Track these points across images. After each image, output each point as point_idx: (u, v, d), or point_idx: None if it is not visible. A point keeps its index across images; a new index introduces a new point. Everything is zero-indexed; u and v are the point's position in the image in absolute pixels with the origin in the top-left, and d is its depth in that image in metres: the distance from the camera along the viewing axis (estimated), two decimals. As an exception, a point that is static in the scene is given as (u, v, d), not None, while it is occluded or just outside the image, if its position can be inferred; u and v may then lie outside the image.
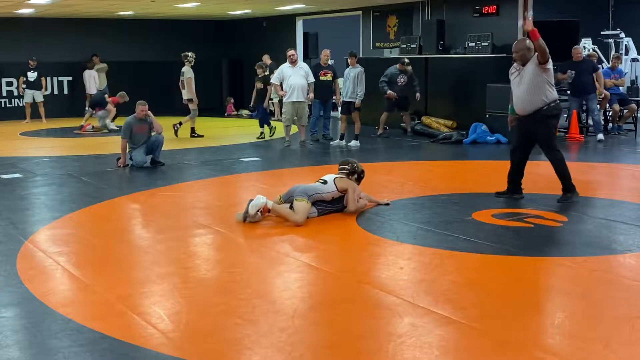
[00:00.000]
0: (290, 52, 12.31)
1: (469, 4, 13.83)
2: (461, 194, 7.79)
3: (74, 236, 6.31)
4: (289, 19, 18.64)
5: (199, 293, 4.65)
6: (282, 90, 12.38)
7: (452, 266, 5.16)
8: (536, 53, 6.94)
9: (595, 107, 12.37)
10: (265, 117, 13.42)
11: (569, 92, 12.41)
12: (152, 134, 10.07)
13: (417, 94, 13.26)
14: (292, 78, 12.09)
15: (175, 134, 13.36)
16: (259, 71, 13.63)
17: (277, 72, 12.53)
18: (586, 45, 14.43)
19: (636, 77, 14.66)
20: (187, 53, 13.51)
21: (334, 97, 13.46)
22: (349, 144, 12.16)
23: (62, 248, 5.80)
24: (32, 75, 16.93)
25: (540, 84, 6.97)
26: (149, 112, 9.99)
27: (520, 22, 12.83)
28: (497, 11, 13.37)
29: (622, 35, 14.99)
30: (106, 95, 15.75)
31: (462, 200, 7.39)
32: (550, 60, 6.95)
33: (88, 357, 3.62)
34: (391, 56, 15.35)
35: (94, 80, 18.08)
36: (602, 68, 13.32)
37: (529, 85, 6.98)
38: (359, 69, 12.34)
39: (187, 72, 13.40)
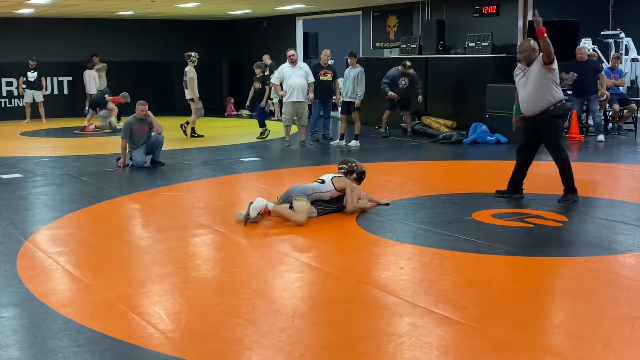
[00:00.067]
0: (290, 52, 12.32)
1: (469, 4, 13.84)
2: (461, 194, 7.79)
3: (74, 236, 6.31)
4: (289, 19, 18.64)
5: (199, 293, 4.65)
6: (282, 90, 12.38)
7: (452, 266, 5.16)
8: (541, 53, 6.93)
9: (597, 108, 12.37)
10: (261, 118, 13.38)
11: (570, 92, 12.41)
12: (152, 134, 10.07)
13: (420, 97, 13.27)
14: (292, 78, 12.10)
15: (184, 133, 13.46)
16: (257, 71, 13.64)
17: (277, 72, 12.54)
18: (586, 45, 14.42)
19: (636, 77, 14.66)
20: (190, 53, 13.53)
21: (334, 97, 13.47)
22: (349, 144, 12.16)
23: (62, 248, 5.80)
24: (32, 75, 16.93)
25: (547, 84, 6.95)
26: (149, 112, 9.99)
27: (520, 23, 12.84)
28: (497, 11, 13.38)
29: (622, 35, 14.99)
30: (106, 95, 15.75)
31: (462, 200, 7.39)
32: (555, 60, 6.94)
33: (88, 357, 3.62)
34: (391, 56, 15.36)
35: (94, 80, 18.07)
36: (603, 68, 13.32)
37: (535, 86, 6.97)
38: (359, 69, 12.34)
39: (190, 72, 13.42)
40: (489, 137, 12.26)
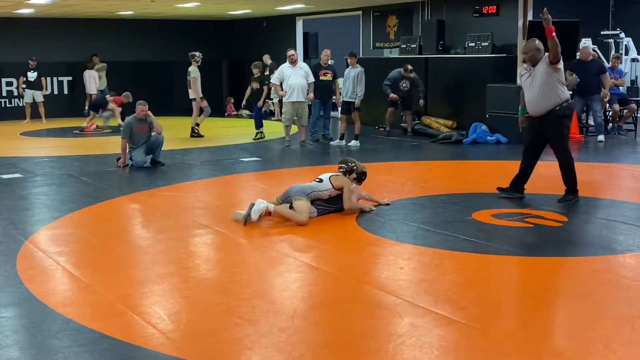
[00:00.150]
0: (290, 52, 12.32)
1: (469, 4, 13.83)
2: (461, 194, 7.79)
3: (74, 236, 6.31)
4: (289, 19, 18.64)
5: (199, 293, 4.65)
6: (282, 90, 12.39)
7: (452, 266, 5.16)
8: (547, 53, 6.92)
9: (599, 108, 12.36)
10: (258, 119, 13.36)
11: (571, 92, 12.40)
12: (152, 134, 10.07)
13: (421, 101, 13.29)
14: (292, 78, 12.10)
15: (197, 135, 13.47)
16: (255, 71, 13.64)
17: (277, 72, 12.54)
18: (588, 45, 14.41)
19: (636, 77, 14.65)
20: (194, 53, 13.54)
21: (334, 97, 13.47)
22: (349, 144, 12.16)
23: (62, 248, 5.80)
24: (32, 75, 16.93)
25: (553, 84, 6.94)
26: (149, 112, 10.00)
27: (520, 23, 12.84)
28: (497, 11, 13.37)
29: (622, 35, 14.99)
30: (107, 96, 15.75)
31: (462, 200, 7.39)
32: (561, 59, 6.93)
33: (88, 357, 3.62)
34: (391, 56, 15.36)
35: (94, 81, 18.07)
36: (607, 69, 13.31)
37: (542, 86, 6.95)
38: (359, 69, 12.34)
39: (193, 71, 13.43)
40: (489, 137, 12.26)
